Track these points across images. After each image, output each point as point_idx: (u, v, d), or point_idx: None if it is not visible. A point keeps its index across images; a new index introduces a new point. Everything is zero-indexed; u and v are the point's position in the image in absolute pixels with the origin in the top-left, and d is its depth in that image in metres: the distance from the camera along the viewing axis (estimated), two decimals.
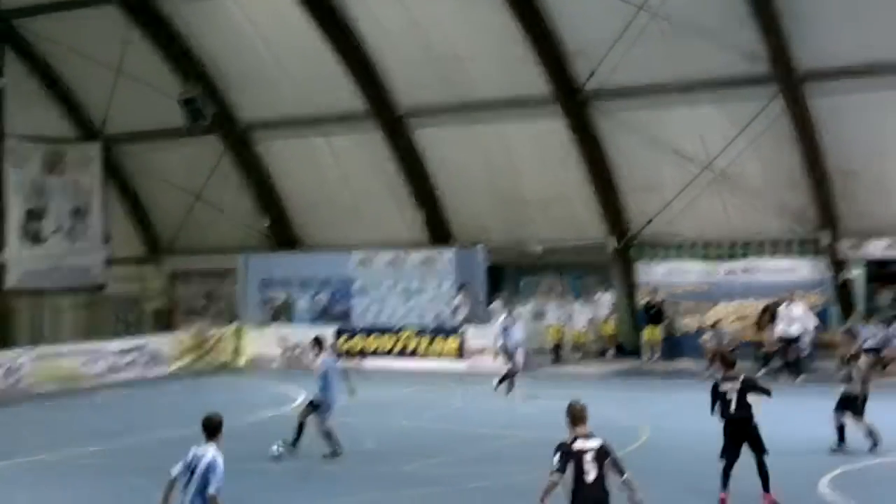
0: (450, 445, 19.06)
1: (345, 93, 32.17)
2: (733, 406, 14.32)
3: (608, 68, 28.96)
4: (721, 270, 30.45)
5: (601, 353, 31.62)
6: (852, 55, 26.44)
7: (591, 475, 9.80)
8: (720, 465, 14.26)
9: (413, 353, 30.55)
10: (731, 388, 14.38)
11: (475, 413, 23.09)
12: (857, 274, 29.51)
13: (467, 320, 30.96)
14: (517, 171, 32.06)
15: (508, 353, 25.04)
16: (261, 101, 34.15)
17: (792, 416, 19.14)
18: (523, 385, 24.79)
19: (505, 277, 33.89)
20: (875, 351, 26.67)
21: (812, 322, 27.43)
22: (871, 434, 17.27)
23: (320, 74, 32.30)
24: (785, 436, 16.87)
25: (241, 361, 32.43)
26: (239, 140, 35.33)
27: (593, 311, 31.94)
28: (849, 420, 17.36)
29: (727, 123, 28.72)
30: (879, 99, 26.90)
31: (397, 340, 30.54)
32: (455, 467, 17.38)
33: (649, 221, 30.78)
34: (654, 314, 30.49)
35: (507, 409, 23.39)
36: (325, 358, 18.65)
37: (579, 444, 9.96)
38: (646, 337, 30.52)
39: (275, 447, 17.85)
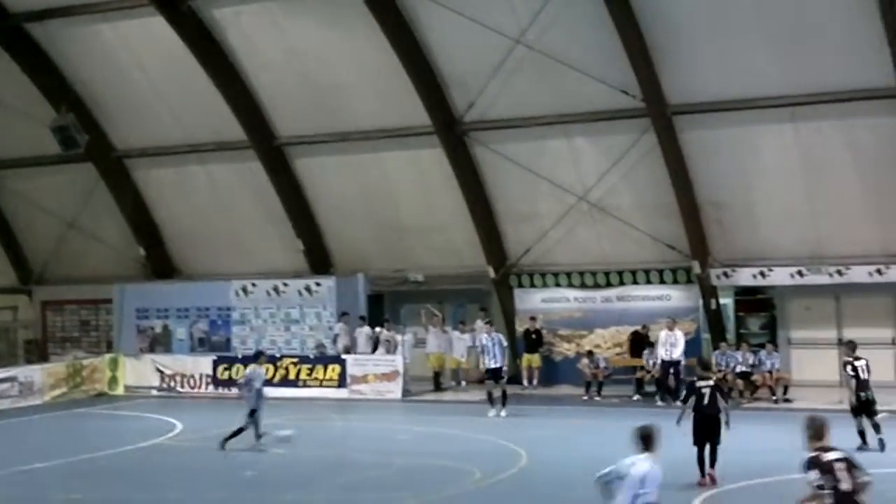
0: (329, 473, 19.07)
1: (223, 121, 31.98)
2: (706, 401, 17.19)
3: (487, 100, 29.44)
4: (597, 298, 31.09)
5: (481, 381, 31.90)
6: (721, 90, 27.32)
7: (845, 484, 10.08)
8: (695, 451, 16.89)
9: (294, 382, 30.43)
10: (705, 386, 17.32)
11: (355, 440, 23.14)
12: (726, 302, 30.44)
13: (347, 349, 31.03)
14: (397, 200, 32.29)
15: None
16: (137, 128, 33.76)
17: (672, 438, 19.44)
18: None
19: (386, 305, 34.03)
20: (744, 375, 27.61)
21: (683, 349, 27.97)
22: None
23: (198, 103, 32.10)
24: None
25: (118, 391, 31.93)
26: (114, 168, 34.84)
27: (473, 339, 32.24)
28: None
29: (602, 155, 29.42)
30: (747, 133, 27.84)
31: (277, 369, 30.39)
32: (333, 494, 17.42)
33: (527, 250, 31.27)
34: (532, 341, 30.95)
35: (388, 436, 23.49)
36: (256, 368, 21.67)
37: (829, 456, 10.22)
38: (524, 364, 30.94)
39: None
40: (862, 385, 20.14)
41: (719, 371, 25.70)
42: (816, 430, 10.39)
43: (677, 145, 28.33)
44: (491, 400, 26.05)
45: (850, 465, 10.17)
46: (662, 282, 30.27)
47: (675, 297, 30.17)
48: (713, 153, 28.27)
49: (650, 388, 28.47)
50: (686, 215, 29.04)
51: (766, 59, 26.72)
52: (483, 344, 26.69)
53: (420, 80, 29.66)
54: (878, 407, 20.59)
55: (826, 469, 10.12)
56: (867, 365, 20.40)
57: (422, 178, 31.72)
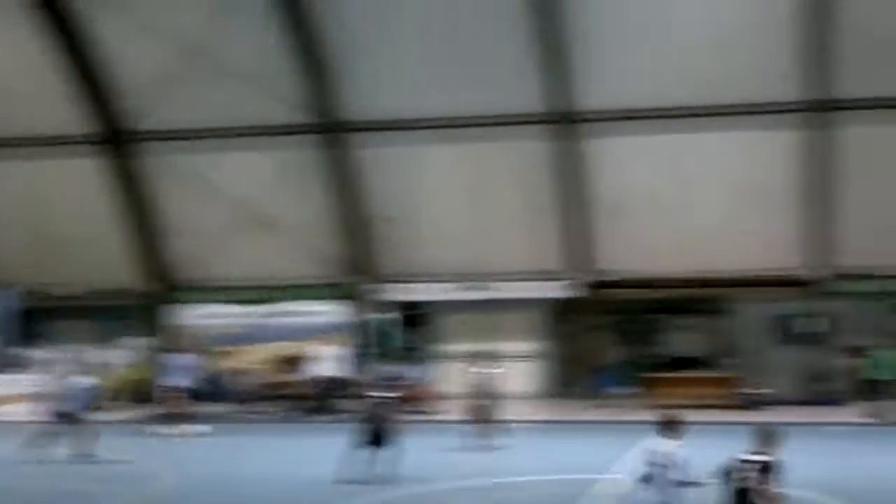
0: None
1: None
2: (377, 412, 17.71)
3: (154, 110, 28.85)
4: (258, 313, 31.10)
5: (135, 400, 30.85)
6: (394, 109, 28.10)
7: None
8: None
9: None
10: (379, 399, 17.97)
11: None
12: (388, 317, 31.34)
13: None
14: (53, 211, 30.89)
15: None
16: None
17: (323, 453, 19.33)
18: None
19: (40, 321, 32.26)
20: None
21: (340, 364, 28.24)
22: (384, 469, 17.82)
23: None
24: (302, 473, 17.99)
25: None
26: None
27: (125, 357, 31.26)
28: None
29: (272, 169, 29.50)
30: (416, 152, 28.84)
31: None
32: None
33: (190, 265, 30.84)
34: None
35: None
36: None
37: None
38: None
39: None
40: (482, 394, 21.62)
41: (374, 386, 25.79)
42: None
43: (349, 162, 29.03)
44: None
45: None
46: (323, 297, 30.62)
47: (334, 312, 30.51)
48: (385, 170, 29.03)
49: (306, 405, 28.01)
50: (352, 231, 29.73)
51: (431, 82, 27.70)
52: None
53: (85, 87, 28.70)
54: (515, 417, 22.16)
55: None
56: (492, 376, 21.83)
57: (79, 188, 30.62)
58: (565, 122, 27.97)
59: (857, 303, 28.64)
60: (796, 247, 28.19)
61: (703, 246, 28.50)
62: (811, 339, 28.78)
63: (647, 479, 11.53)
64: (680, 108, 27.27)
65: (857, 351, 28.07)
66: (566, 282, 29.57)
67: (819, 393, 28.22)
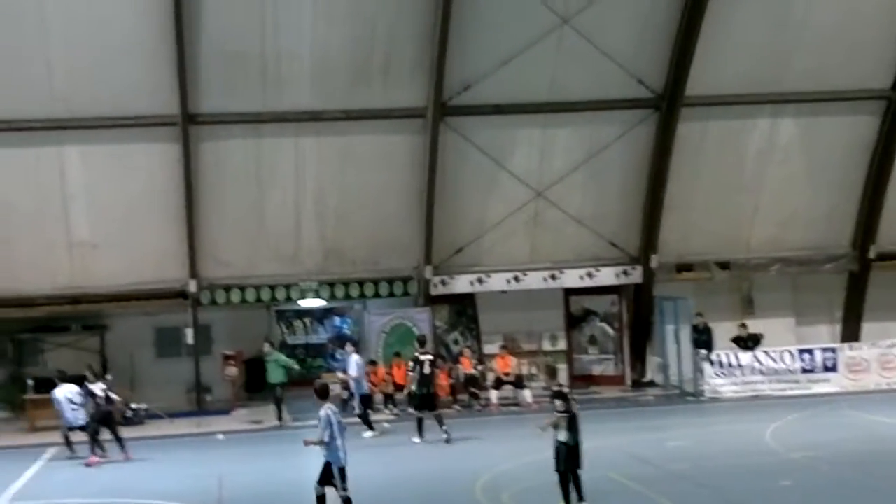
0: None
1: None
2: None
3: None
4: None
5: None
6: None
7: None
8: None
9: None
10: None
11: None
12: None
13: None
14: None
15: None
16: None
17: None
18: None
19: None
20: None
21: None
22: None
23: None
24: None
25: None
26: None
27: None
28: None
29: None
30: None
31: None
32: None
33: None
34: None
35: None
36: None
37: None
38: None
39: None
40: (425, 380, 23.05)
41: None
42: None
43: None
44: None
45: None
46: None
47: None
48: None
49: None
50: None
51: None
52: None
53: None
54: None
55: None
56: (432, 362, 23.39)
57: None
58: None
59: (230, 312, 29.55)
60: (175, 259, 28.26)
61: (81, 261, 27.88)
62: (191, 350, 29.05)
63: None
64: (42, 119, 26.59)
65: (232, 358, 29.06)
66: None
67: (204, 403, 28.68)
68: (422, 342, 24.75)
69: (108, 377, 27.84)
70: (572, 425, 15.85)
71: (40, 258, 27.67)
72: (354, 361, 25.13)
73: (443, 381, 27.63)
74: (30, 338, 29.90)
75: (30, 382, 28.09)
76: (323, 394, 15.66)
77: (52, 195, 27.40)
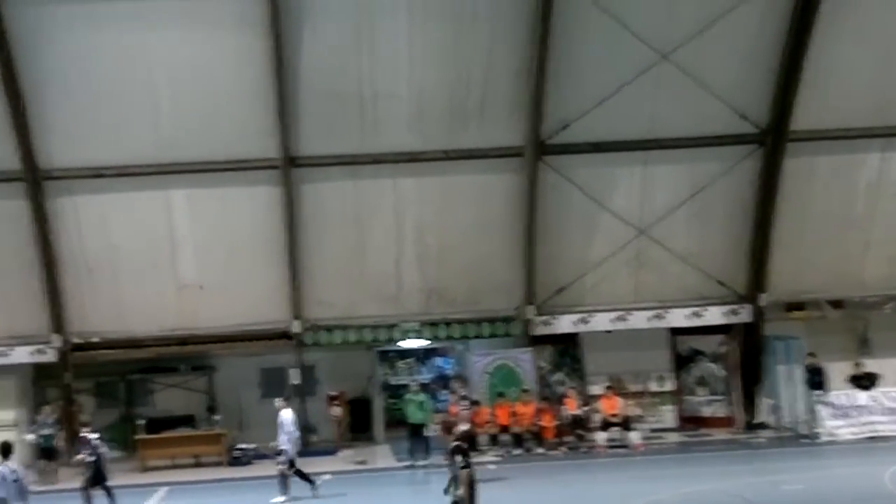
0: None
1: None
2: None
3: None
4: None
5: None
6: None
7: None
8: None
9: None
10: None
11: None
12: None
13: None
14: None
15: None
16: None
17: None
18: None
19: None
20: None
21: None
22: None
23: None
24: None
25: None
26: None
27: None
28: None
29: None
30: None
31: None
32: None
33: None
34: None
35: None
36: None
37: None
38: None
39: None
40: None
41: None
42: None
43: None
44: None
45: None
46: None
47: None
48: None
49: None
50: None
51: None
52: None
53: None
54: None
55: None
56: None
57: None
58: (30, 180, 26.94)
59: (333, 352, 29.72)
60: (279, 300, 28.59)
61: (188, 303, 28.36)
62: (299, 391, 29.28)
63: None
64: (150, 165, 27.13)
65: (336, 399, 29.21)
66: (44, 345, 28.29)
67: (310, 443, 28.77)
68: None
69: (216, 417, 28.50)
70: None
71: (149, 300, 28.20)
72: (288, 418, 23.04)
73: (548, 422, 27.41)
74: (139, 378, 30.49)
75: (140, 422, 28.74)
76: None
77: (160, 238, 27.96)
